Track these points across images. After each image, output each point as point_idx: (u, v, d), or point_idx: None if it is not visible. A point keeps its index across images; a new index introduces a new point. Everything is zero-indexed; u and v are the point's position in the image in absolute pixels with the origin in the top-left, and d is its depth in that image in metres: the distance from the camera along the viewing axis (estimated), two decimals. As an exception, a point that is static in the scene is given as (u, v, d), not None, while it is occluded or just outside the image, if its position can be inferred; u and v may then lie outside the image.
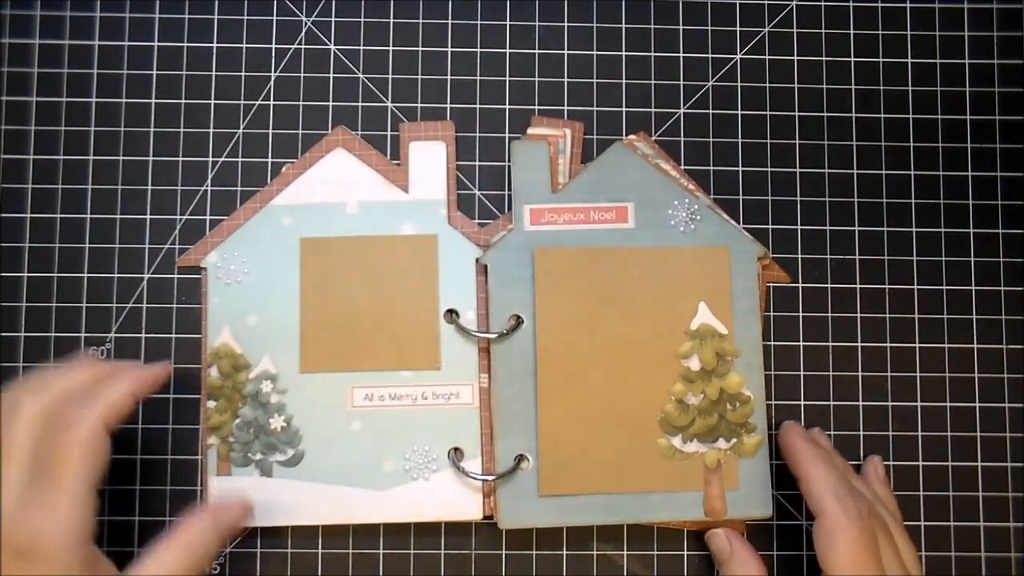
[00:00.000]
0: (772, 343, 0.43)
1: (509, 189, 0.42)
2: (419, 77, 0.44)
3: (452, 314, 0.41)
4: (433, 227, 0.42)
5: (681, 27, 0.44)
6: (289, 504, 0.40)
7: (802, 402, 0.43)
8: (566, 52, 0.44)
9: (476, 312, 0.41)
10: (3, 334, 0.42)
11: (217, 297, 0.41)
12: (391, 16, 0.44)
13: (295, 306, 0.41)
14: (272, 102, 0.43)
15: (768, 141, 0.44)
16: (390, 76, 0.43)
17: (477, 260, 0.42)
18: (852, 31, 0.44)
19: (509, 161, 0.42)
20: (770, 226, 0.43)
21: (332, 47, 0.44)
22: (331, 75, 0.43)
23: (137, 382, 0.37)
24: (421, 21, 0.44)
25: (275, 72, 0.43)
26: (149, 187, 0.43)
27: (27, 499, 0.33)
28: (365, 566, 0.41)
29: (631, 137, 0.43)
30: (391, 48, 0.44)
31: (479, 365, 0.41)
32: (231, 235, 0.42)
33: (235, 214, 0.42)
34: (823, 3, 0.44)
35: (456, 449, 0.41)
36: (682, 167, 0.43)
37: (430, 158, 0.42)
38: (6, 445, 0.34)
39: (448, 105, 0.43)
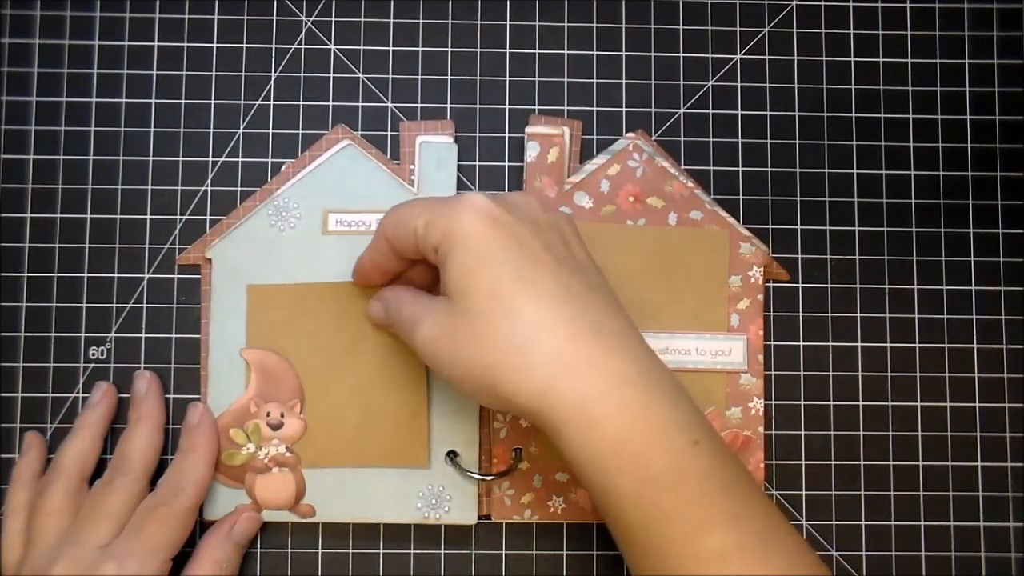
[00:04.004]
0: (772, 343, 0.43)
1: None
2: (419, 77, 0.44)
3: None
4: None
5: (681, 27, 0.44)
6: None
7: (802, 402, 0.43)
8: (566, 52, 0.44)
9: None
10: (3, 334, 0.42)
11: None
12: (391, 16, 0.44)
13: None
14: (272, 102, 0.43)
15: (768, 141, 0.44)
16: (390, 76, 0.43)
17: None
18: (852, 31, 0.44)
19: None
20: (770, 226, 0.43)
21: (332, 47, 0.44)
22: (331, 75, 0.43)
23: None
24: (421, 21, 0.44)
25: (275, 72, 0.43)
26: (149, 187, 0.43)
27: None
28: (365, 566, 0.41)
29: (631, 135, 0.43)
30: (391, 48, 0.44)
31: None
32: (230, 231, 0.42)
33: (234, 213, 0.42)
34: (823, 3, 0.44)
35: (453, 452, 0.41)
36: (682, 167, 0.43)
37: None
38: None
39: (448, 105, 0.43)
